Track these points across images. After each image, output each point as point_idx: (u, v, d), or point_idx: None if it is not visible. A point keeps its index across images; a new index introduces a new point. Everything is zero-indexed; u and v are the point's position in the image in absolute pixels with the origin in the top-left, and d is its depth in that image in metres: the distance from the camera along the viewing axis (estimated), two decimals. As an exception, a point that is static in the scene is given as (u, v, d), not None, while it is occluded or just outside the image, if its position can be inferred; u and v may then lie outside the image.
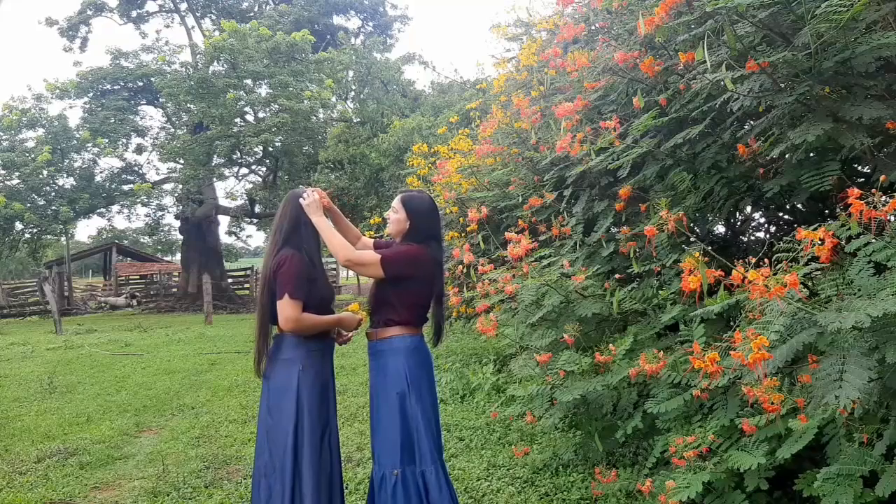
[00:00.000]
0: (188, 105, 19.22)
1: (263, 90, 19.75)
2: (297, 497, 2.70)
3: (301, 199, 2.84)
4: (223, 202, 24.09)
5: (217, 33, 19.24)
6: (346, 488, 3.65)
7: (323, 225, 2.85)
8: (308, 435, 2.74)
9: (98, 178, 20.84)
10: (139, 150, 22.73)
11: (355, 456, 4.59)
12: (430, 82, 25.06)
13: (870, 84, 2.73)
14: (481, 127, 5.86)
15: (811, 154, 2.97)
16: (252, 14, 24.35)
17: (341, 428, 5.03)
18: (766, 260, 2.20)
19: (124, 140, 21.67)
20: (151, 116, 23.93)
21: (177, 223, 24.83)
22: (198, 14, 23.86)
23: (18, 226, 19.16)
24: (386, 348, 2.83)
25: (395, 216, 2.92)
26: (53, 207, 18.89)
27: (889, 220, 2.22)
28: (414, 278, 2.83)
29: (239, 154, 20.87)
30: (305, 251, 2.82)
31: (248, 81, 19.04)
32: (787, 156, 2.96)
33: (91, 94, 21.48)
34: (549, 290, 3.64)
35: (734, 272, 2.16)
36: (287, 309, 2.68)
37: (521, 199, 4.80)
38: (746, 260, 2.20)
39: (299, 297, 2.70)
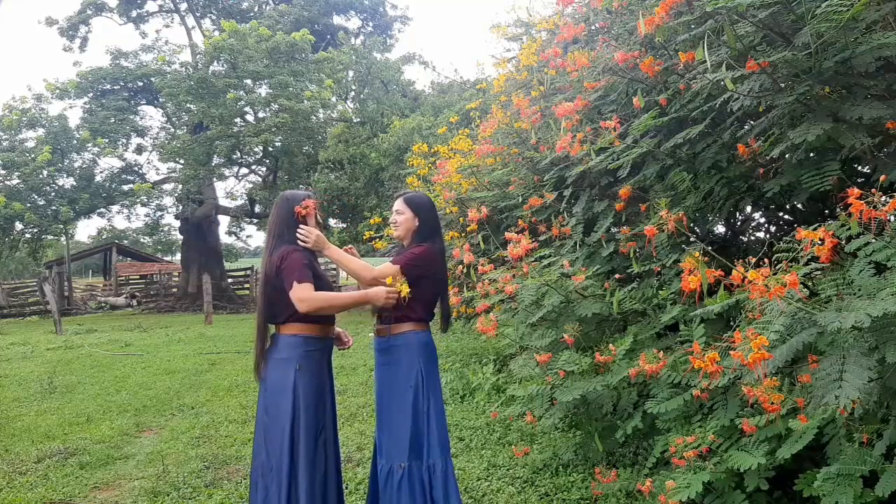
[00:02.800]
0: (188, 105, 19.22)
1: (263, 90, 19.75)
2: (294, 497, 2.70)
3: (301, 242, 2.83)
4: (223, 202, 24.12)
5: (217, 33, 19.24)
6: (346, 488, 3.65)
7: (336, 255, 2.89)
8: (304, 435, 2.74)
9: (98, 178, 20.85)
10: (139, 150, 22.76)
11: (355, 456, 4.59)
12: (430, 82, 25.05)
13: (870, 84, 2.73)
14: (481, 127, 5.86)
15: (811, 154, 2.97)
16: (252, 14, 24.33)
17: (341, 428, 5.03)
18: (766, 260, 2.20)
19: (124, 140, 21.68)
20: (151, 116, 23.98)
21: (177, 223, 24.84)
22: (198, 14, 23.85)
23: (18, 226, 19.17)
24: (400, 343, 2.88)
25: (402, 217, 2.98)
26: (53, 207, 18.90)
27: (889, 220, 2.22)
28: (428, 276, 2.91)
29: (239, 154, 20.88)
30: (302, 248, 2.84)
31: (248, 81, 19.04)
32: (787, 156, 2.96)
33: (91, 94, 21.49)
34: (549, 290, 3.64)
35: (734, 272, 2.16)
36: (298, 292, 2.68)
37: (521, 199, 4.79)
38: (746, 260, 2.20)
39: (306, 279, 2.70)
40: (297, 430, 2.74)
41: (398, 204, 3.00)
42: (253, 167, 23.26)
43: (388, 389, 2.89)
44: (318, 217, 2.96)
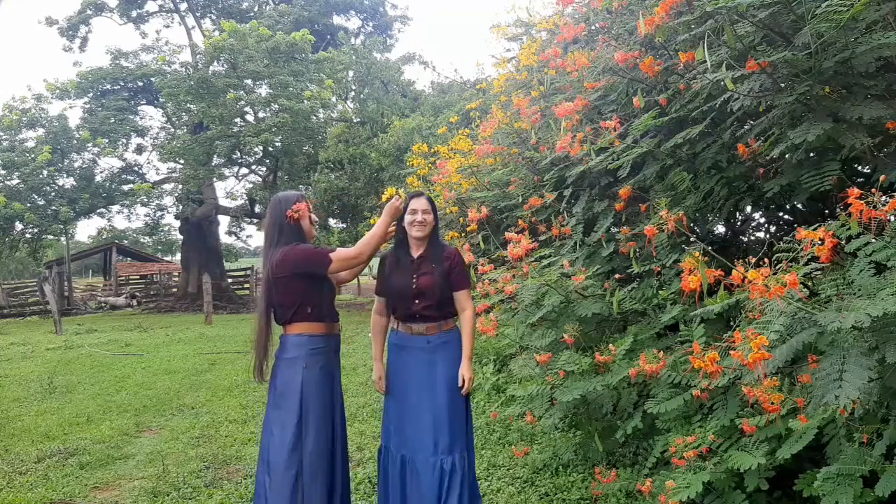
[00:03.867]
0: (188, 105, 19.22)
1: (263, 90, 19.73)
2: (299, 496, 2.70)
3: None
4: (223, 202, 24.10)
5: (217, 33, 19.20)
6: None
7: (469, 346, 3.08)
8: (312, 434, 2.75)
9: (98, 178, 20.84)
10: (139, 150, 22.78)
11: (355, 456, 4.59)
12: (430, 82, 25.03)
13: (870, 84, 2.73)
14: (481, 127, 5.86)
15: (811, 154, 2.97)
16: (252, 14, 24.32)
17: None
18: (766, 260, 2.20)
19: (124, 140, 21.68)
20: (151, 116, 23.98)
21: (177, 223, 24.82)
22: (198, 14, 23.84)
23: (18, 226, 19.17)
24: (452, 339, 3.07)
25: (430, 216, 3.09)
26: (53, 207, 18.89)
27: (889, 220, 2.22)
28: None
29: (239, 154, 20.86)
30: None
31: (248, 81, 19.02)
32: (787, 156, 2.96)
33: (91, 94, 21.49)
34: (549, 290, 3.64)
35: (734, 272, 2.16)
36: (341, 254, 2.84)
37: (521, 199, 4.79)
38: (746, 260, 2.20)
39: (329, 251, 2.84)
40: (306, 430, 2.75)
41: (424, 203, 3.08)
42: (253, 167, 23.25)
43: (443, 383, 2.99)
44: (312, 218, 2.98)
